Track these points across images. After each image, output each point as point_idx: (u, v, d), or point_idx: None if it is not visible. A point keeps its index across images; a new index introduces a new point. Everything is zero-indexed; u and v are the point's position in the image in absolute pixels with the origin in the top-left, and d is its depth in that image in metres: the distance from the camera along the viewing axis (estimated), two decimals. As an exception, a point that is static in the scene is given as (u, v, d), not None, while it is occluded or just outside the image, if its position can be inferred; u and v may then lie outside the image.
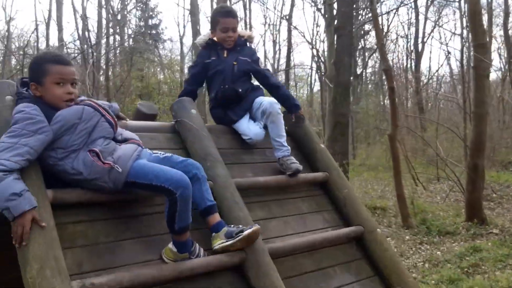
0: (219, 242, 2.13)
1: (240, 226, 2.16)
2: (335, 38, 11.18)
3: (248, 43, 3.11)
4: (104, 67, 15.92)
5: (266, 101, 2.92)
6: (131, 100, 16.24)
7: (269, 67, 34.08)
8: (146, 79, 22.88)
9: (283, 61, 29.44)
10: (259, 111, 2.93)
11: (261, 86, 3.14)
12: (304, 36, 25.40)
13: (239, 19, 3.12)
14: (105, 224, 2.02)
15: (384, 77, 31.58)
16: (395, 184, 8.38)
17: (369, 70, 32.30)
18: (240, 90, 2.95)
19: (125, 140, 2.14)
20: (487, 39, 7.58)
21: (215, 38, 3.01)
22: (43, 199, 1.80)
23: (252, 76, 3.10)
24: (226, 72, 2.94)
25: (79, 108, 1.98)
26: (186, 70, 22.38)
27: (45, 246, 1.69)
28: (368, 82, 33.72)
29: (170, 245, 2.05)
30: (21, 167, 1.75)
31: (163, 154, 2.21)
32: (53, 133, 1.88)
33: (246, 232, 2.08)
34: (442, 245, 7.22)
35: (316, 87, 31.51)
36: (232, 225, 2.19)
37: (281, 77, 28.86)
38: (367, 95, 29.77)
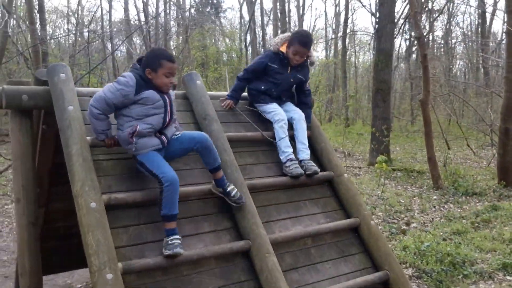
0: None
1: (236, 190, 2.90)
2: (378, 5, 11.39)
3: (309, 65, 3.76)
4: (163, 38, 17.08)
5: (299, 111, 3.65)
6: (190, 70, 17.39)
7: (329, 32, 33.80)
8: (206, 49, 23.98)
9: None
10: (288, 115, 3.61)
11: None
12: (360, 1, 24.82)
13: (312, 48, 3.65)
14: (128, 162, 2.92)
15: (453, 41, 30.42)
16: (426, 147, 8.76)
17: (438, 32, 31.18)
18: (284, 99, 3.72)
19: (160, 133, 2.80)
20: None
21: (286, 53, 3.57)
22: (85, 142, 2.72)
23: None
24: (282, 84, 3.64)
25: (158, 97, 2.71)
26: (247, 38, 23.17)
27: (85, 172, 2.61)
28: (438, 45, 32.49)
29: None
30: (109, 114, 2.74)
31: (176, 136, 2.89)
32: (133, 100, 2.66)
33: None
34: (466, 205, 7.62)
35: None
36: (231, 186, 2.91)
37: (340, 45, 28.83)
38: (433, 60, 28.86)
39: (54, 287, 4.79)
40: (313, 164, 3.43)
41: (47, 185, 3.83)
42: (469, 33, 31.17)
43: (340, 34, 27.65)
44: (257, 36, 23.43)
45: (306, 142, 3.52)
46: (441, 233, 6.02)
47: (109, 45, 17.16)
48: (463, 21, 45.99)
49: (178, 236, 2.63)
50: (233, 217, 3.01)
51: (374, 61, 11.07)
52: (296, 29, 26.82)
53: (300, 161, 3.43)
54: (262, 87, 3.64)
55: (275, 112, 3.57)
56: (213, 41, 27.83)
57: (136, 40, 20.04)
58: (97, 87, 3.39)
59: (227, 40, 29.84)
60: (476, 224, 6.36)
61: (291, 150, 3.44)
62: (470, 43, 29.64)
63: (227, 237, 2.94)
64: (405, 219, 6.82)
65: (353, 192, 3.47)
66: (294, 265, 3.00)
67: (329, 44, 31.81)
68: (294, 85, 3.74)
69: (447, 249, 4.96)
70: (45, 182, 3.79)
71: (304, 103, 3.78)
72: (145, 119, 2.69)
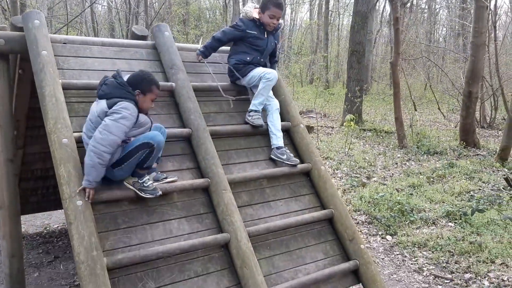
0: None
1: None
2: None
3: (279, 29, 3.93)
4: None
5: (275, 101, 3.76)
6: (171, 26, 17.31)
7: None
8: (188, 6, 23.66)
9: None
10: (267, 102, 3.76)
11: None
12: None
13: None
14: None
15: (437, 6, 30.52)
16: (394, 108, 9.15)
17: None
18: (267, 64, 3.89)
19: None
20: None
21: (261, 19, 3.68)
22: (57, 84, 2.96)
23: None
24: (266, 50, 3.81)
25: (148, 121, 2.88)
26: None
27: (57, 111, 2.87)
28: (422, 10, 32.55)
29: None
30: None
31: None
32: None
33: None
34: (426, 162, 8.11)
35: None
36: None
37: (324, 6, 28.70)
38: (416, 25, 28.98)
39: (32, 227, 5.11)
40: (291, 155, 3.62)
41: (24, 128, 4.07)
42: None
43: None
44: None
45: (280, 128, 3.69)
46: (397, 186, 6.48)
47: (88, -3, 16.85)
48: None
49: (148, 177, 2.91)
50: (195, 158, 3.33)
51: (351, 23, 11.25)
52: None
53: (278, 148, 3.61)
54: (248, 58, 3.73)
55: (266, 71, 3.68)
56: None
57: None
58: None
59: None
60: (432, 179, 6.84)
61: (261, 107, 3.68)
62: (452, 9, 29.87)
63: (189, 175, 3.26)
64: (367, 174, 7.26)
65: (307, 140, 3.80)
66: (249, 202, 3.35)
67: (313, 5, 31.57)
68: (272, 51, 3.91)
69: (398, 199, 5.41)
70: (22, 125, 4.03)
71: (273, 61, 4.04)
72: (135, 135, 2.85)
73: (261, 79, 3.69)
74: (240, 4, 21.91)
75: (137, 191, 2.87)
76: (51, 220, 5.26)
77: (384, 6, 30.93)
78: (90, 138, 2.69)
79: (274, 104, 3.76)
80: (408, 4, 27.89)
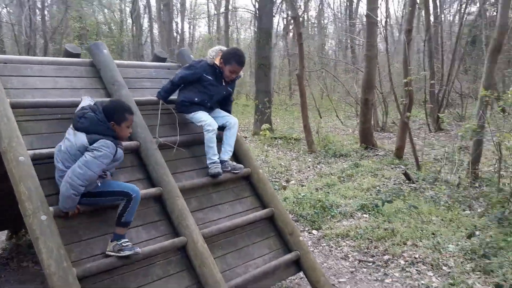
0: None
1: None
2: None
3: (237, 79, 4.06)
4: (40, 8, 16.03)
5: (234, 118, 3.98)
6: (69, 41, 16.66)
7: (211, 7, 34.23)
8: (85, 19, 22.84)
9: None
10: (224, 120, 3.94)
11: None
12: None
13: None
14: (45, 122, 3.22)
15: (327, 21, 32.86)
16: (302, 116, 9.89)
17: (312, 13, 33.54)
18: (214, 107, 3.98)
19: None
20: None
21: (221, 69, 3.82)
22: (7, 104, 2.97)
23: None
24: (215, 96, 3.93)
25: (122, 154, 2.97)
26: (128, 11, 22.51)
27: (10, 130, 2.88)
28: (312, 24, 34.84)
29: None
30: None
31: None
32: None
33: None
34: (334, 164, 8.90)
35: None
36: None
37: (222, 20, 29.50)
38: (308, 38, 30.89)
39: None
40: (235, 164, 3.93)
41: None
42: (339, 14, 34.05)
43: (222, 10, 28.22)
44: (141, 8, 22.94)
45: (233, 145, 3.94)
46: (314, 186, 7.09)
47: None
48: (333, 2, 49.45)
49: (127, 239, 2.92)
50: (145, 169, 3.50)
51: (255, 38, 11.89)
52: (179, 3, 26.73)
53: (223, 162, 3.84)
54: (196, 99, 3.83)
55: (207, 122, 3.80)
56: (92, 11, 26.43)
57: (6, 9, 18.33)
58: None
59: (106, 10, 28.61)
60: (342, 178, 7.58)
61: (217, 157, 3.82)
62: (340, 24, 32.49)
63: (141, 186, 3.41)
64: (285, 177, 7.81)
65: (245, 147, 4.16)
66: (199, 207, 3.60)
67: (212, 20, 32.26)
68: (223, 98, 4.05)
69: (319, 197, 5.97)
70: None
71: (227, 111, 4.14)
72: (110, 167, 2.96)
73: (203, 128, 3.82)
74: (143, 18, 21.71)
75: (117, 254, 2.85)
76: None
77: (278, 22, 32.70)
78: (68, 168, 2.76)
79: (234, 122, 3.97)
80: (300, 19, 29.76)
